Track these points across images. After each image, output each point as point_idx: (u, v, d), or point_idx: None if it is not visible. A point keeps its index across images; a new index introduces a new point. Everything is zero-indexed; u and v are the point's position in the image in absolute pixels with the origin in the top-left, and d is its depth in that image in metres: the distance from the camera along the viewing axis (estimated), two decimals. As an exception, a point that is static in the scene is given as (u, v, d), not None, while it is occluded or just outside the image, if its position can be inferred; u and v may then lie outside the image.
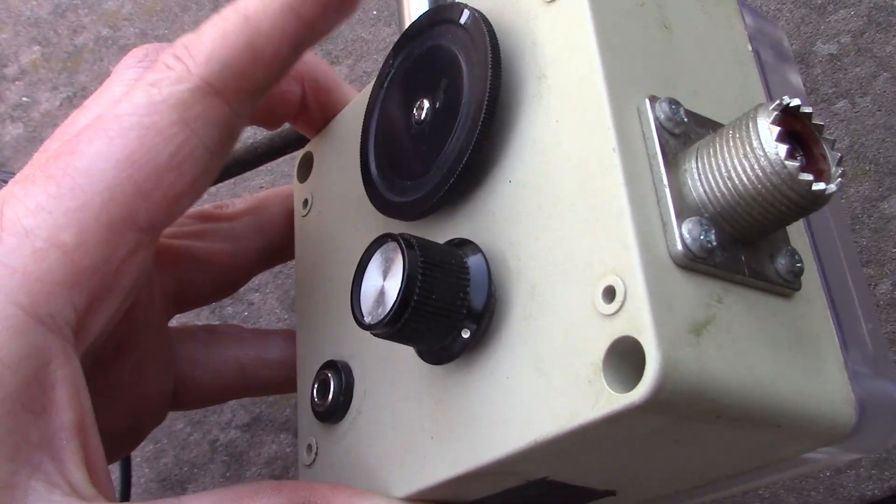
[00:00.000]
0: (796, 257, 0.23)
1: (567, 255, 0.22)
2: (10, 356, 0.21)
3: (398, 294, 0.22)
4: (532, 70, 0.24)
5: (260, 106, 0.28)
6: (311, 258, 0.32)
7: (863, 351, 0.25)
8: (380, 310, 0.23)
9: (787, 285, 0.23)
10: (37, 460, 0.22)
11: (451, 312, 0.23)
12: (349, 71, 0.46)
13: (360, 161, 0.28)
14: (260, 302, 0.41)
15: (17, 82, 0.48)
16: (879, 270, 0.40)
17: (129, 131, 0.23)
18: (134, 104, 0.24)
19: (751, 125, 0.21)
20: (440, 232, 0.26)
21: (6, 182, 0.25)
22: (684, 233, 0.21)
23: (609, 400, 0.20)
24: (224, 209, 0.33)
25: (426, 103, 0.26)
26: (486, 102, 0.24)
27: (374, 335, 0.23)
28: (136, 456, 0.42)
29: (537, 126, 0.24)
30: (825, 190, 0.21)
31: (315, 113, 0.33)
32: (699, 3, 0.26)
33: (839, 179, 0.21)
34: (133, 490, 0.42)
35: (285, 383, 0.32)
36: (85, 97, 0.47)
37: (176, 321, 0.33)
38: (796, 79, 0.29)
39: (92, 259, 0.23)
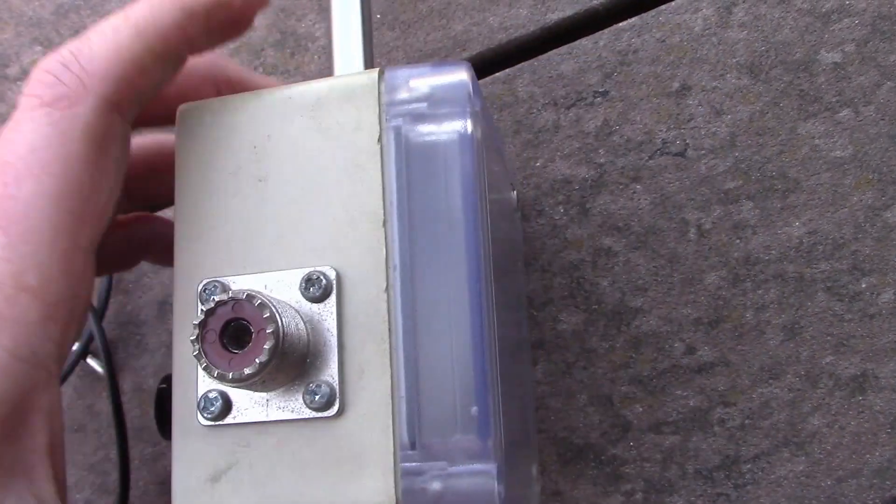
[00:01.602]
0: (322, 389, 0.26)
1: None
2: None
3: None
4: None
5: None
6: None
7: (454, 445, 0.26)
8: None
9: (319, 414, 0.26)
10: (8, 480, 0.24)
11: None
12: (352, 74, 0.46)
13: None
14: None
15: (18, 83, 0.47)
16: (882, 279, 0.40)
17: (52, 166, 0.25)
18: (46, 137, 0.25)
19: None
20: None
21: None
22: (202, 401, 0.26)
23: None
24: None
25: None
26: None
27: None
28: (135, 458, 0.41)
29: None
30: (229, 376, 0.24)
31: None
32: (315, 121, 0.27)
33: (257, 364, 0.24)
34: (132, 492, 0.41)
35: None
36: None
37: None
38: (464, 125, 0.27)
39: (57, 293, 0.25)
